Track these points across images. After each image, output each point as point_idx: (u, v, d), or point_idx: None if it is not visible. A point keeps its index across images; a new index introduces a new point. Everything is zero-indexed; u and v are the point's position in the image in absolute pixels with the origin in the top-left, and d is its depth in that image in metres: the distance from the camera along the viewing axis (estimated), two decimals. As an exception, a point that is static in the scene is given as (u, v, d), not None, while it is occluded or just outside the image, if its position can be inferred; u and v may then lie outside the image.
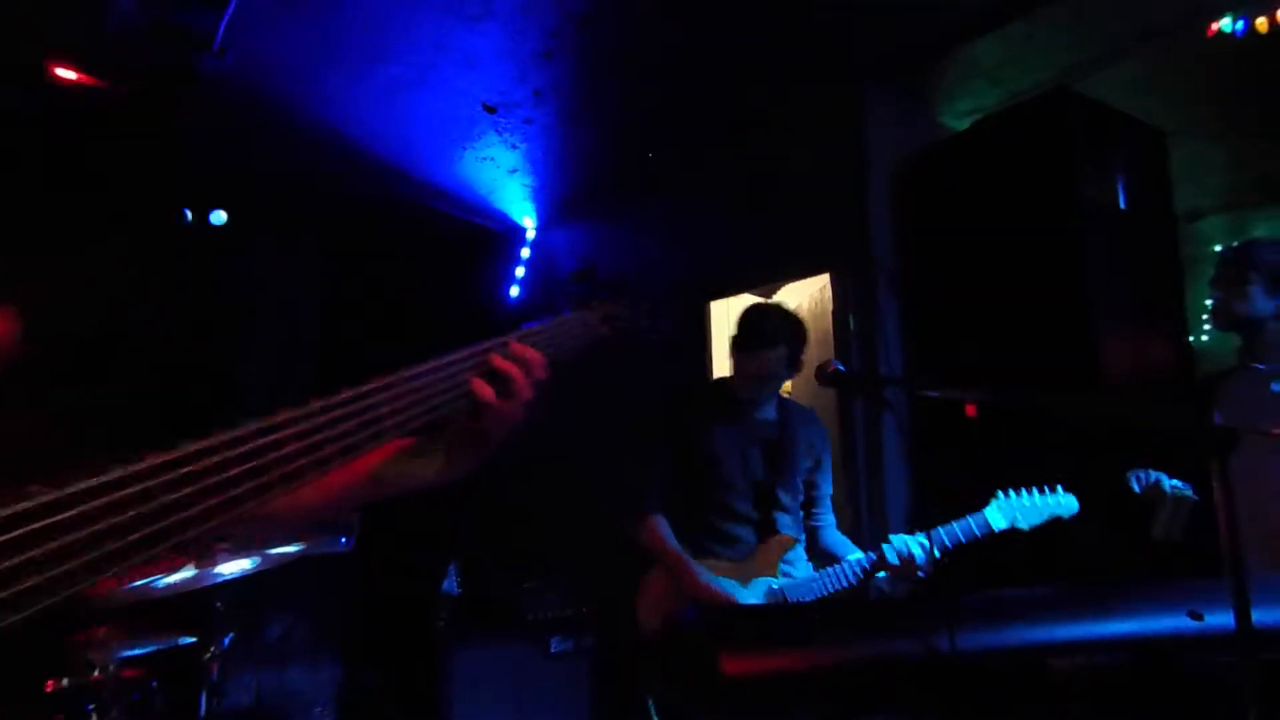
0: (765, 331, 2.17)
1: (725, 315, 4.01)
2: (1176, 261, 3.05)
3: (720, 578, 2.10)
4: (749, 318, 2.25)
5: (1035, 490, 2.04)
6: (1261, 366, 2.01)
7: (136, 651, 1.85)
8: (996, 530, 1.99)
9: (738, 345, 2.23)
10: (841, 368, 1.58)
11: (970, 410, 2.86)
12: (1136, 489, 2.02)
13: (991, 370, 2.67)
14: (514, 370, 0.89)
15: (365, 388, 0.75)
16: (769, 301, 2.37)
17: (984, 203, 2.84)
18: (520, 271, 4.52)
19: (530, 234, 4.51)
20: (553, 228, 4.49)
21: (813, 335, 3.68)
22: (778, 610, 1.35)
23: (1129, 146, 2.83)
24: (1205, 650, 1.31)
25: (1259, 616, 1.14)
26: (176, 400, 3.15)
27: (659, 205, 3.91)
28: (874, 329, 2.92)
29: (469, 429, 0.91)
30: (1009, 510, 2.00)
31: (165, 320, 3.39)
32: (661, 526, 2.17)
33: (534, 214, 4.46)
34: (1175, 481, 1.98)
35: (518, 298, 4.51)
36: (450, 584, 3.22)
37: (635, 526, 2.19)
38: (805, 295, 3.82)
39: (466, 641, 3.08)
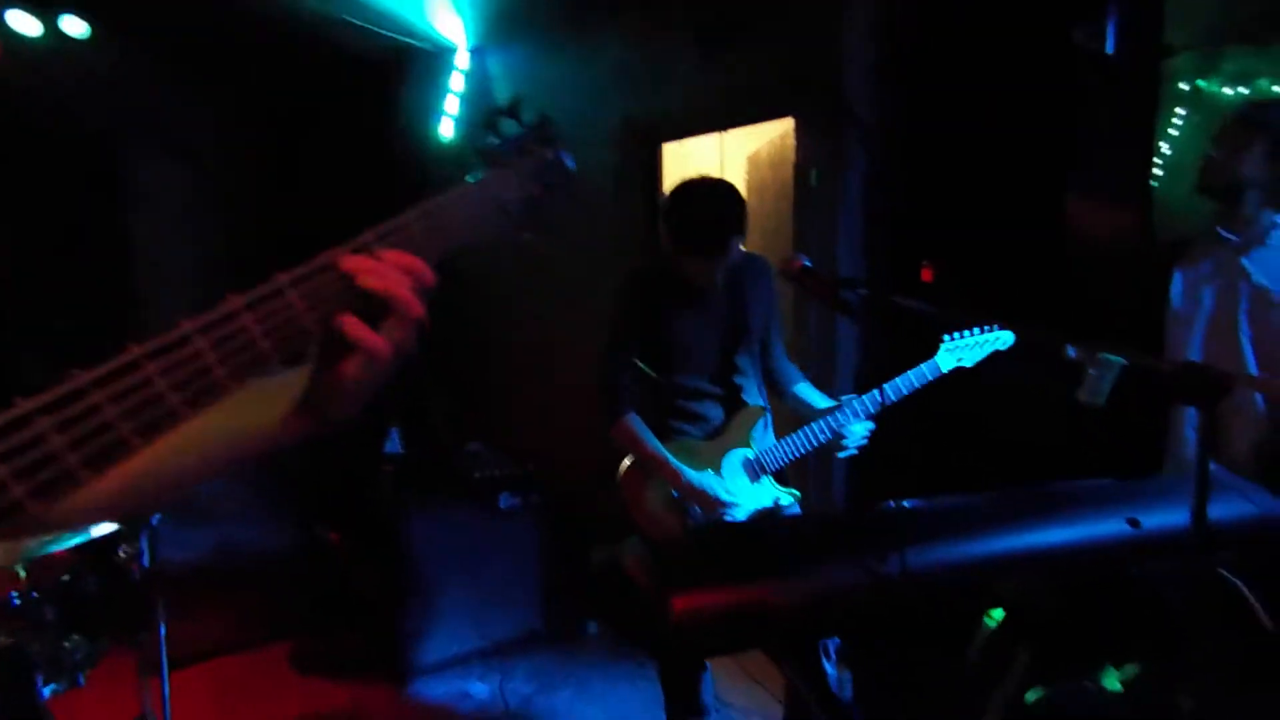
0: (714, 234, 2.03)
1: (678, 158, 3.76)
2: (1153, 113, 2.91)
3: (697, 471, 2.12)
4: (690, 216, 2.08)
5: (976, 330, 2.14)
6: (1235, 239, 1.94)
7: (54, 548, 1.76)
8: (945, 371, 2.11)
9: (684, 246, 2.07)
10: (808, 263, 1.44)
11: (926, 275, 2.82)
12: (1072, 353, 2.01)
13: (958, 233, 2.58)
14: (394, 290, 0.63)
15: (173, 334, 0.55)
16: (699, 186, 2.15)
17: (969, 47, 2.60)
18: (453, 105, 4.04)
19: (462, 57, 4.01)
20: (489, 50, 4.02)
21: (772, 185, 3.51)
22: (730, 543, 1.31)
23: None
24: (1144, 556, 1.34)
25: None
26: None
27: (610, 33, 3.50)
28: (838, 187, 2.74)
29: (336, 376, 0.66)
30: (955, 351, 2.11)
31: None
32: (636, 425, 2.14)
33: (467, 31, 3.96)
34: (1110, 356, 1.97)
35: (452, 140, 4.07)
36: (394, 445, 3.18)
37: (609, 428, 2.16)
38: (764, 140, 3.58)
39: (415, 499, 3.08)
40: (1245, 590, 1.28)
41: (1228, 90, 3.66)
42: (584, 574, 3.04)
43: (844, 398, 2.14)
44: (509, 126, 0.82)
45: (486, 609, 3.22)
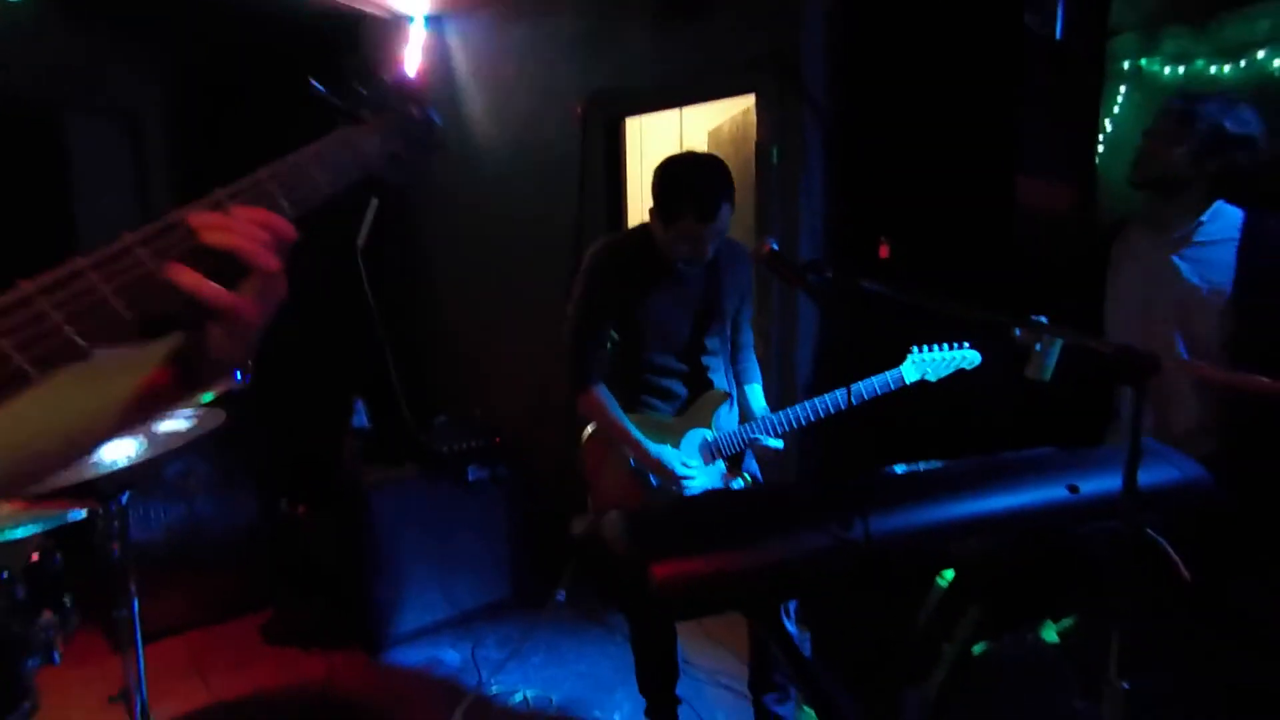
0: (708, 197, 2.02)
1: (639, 133, 3.77)
2: (1098, 93, 3.01)
3: (659, 443, 2.18)
4: (682, 182, 2.06)
5: (944, 346, 2.20)
6: (1167, 235, 1.93)
7: (24, 533, 1.75)
8: (909, 383, 2.18)
9: (674, 214, 2.05)
10: (775, 246, 1.51)
11: (883, 252, 2.91)
12: (1018, 332, 2.06)
13: (913, 211, 2.66)
14: (242, 245, 0.60)
15: (13, 295, 0.51)
16: (690, 156, 2.18)
17: (924, 29, 2.66)
18: (410, 74, 3.99)
19: (417, 24, 3.95)
20: (446, 20, 3.96)
21: (733, 161, 3.55)
22: (704, 513, 1.38)
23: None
24: (1080, 519, 1.46)
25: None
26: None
27: (570, 6, 3.48)
28: (797, 165, 2.81)
29: (200, 339, 0.63)
30: (920, 365, 2.18)
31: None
32: (603, 396, 2.19)
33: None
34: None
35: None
36: (360, 418, 3.18)
37: (577, 398, 2.21)
38: (727, 116, 3.62)
39: (383, 473, 3.10)
40: (1168, 548, 1.41)
41: (1167, 70, 3.81)
42: (561, 544, 3.10)
43: (759, 416, 2.24)
44: (374, 84, 0.82)
45: (456, 579, 3.28)
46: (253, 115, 3.72)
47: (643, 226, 2.22)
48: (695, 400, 2.28)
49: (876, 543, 1.28)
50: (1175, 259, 1.92)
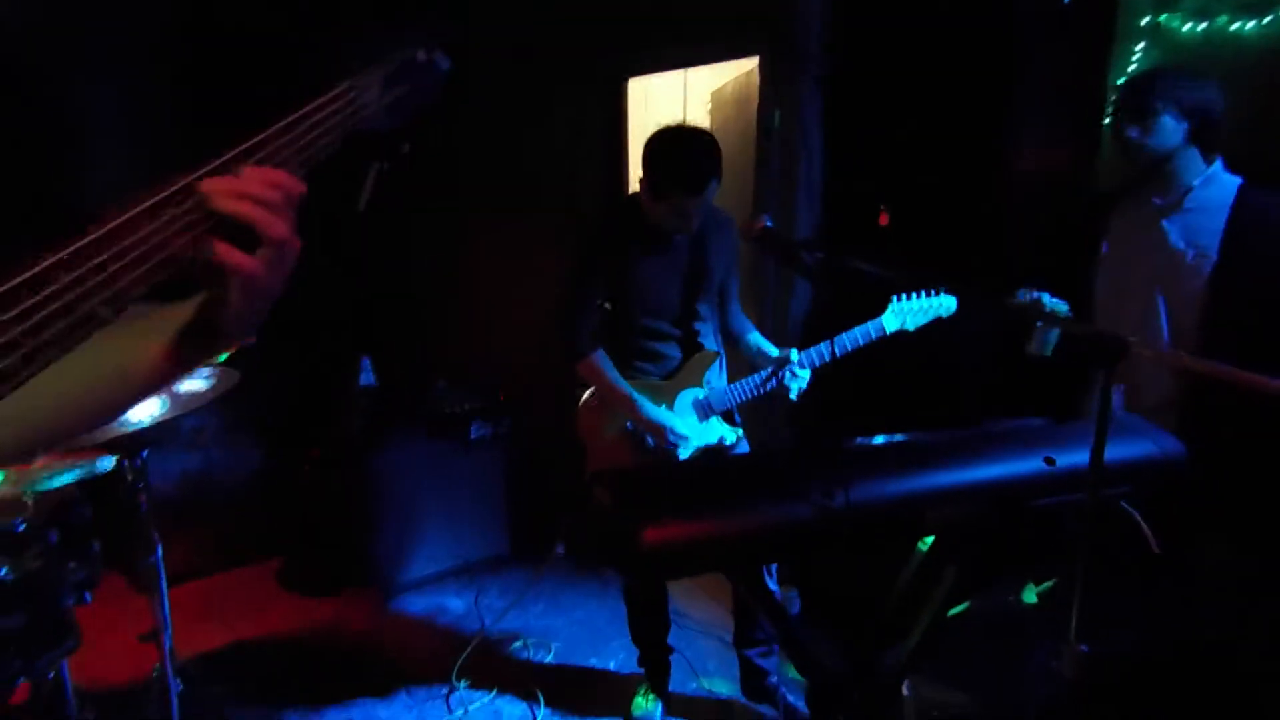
0: (695, 173, 2.07)
1: (643, 94, 3.76)
2: (1106, 54, 2.96)
3: (654, 404, 2.26)
4: (671, 157, 2.11)
5: (922, 294, 2.23)
6: (1157, 201, 1.97)
7: (59, 483, 1.85)
8: (890, 332, 2.22)
9: (664, 188, 2.11)
10: (769, 223, 1.55)
11: (883, 219, 2.93)
12: (1021, 297, 2.09)
13: (913, 178, 2.68)
14: (252, 213, 0.60)
15: (37, 267, 0.51)
16: (680, 131, 2.20)
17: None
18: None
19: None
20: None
21: (736, 124, 3.55)
22: (694, 480, 1.46)
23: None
24: (1057, 491, 1.52)
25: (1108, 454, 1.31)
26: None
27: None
28: (797, 131, 2.82)
29: (217, 303, 0.63)
30: (900, 313, 2.21)
31: None
32: (601, 361, 2.27)
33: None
34: (1056, 300, 2.07)
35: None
36: (367, 377, 3.26)
37: (575, 362, 2.29)
38: (730, 77, 3.60)
39: (389, 431, 3.19)
40: (1139, 518, 1.48)
41: (1187, 27, 3.74)
42: (559, 500, 3.21)
43: (789, 351, 2.25)
44: (375, 32, 0.80)
45: (460, 532, 3.39)
46: (248, 55, 3.70)
47: (635, 196, 2.28)
48: (686, 362, 2.35)
49: (856, 510, 1.35)
50: (1165, 223, 1.96)
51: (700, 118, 3.89)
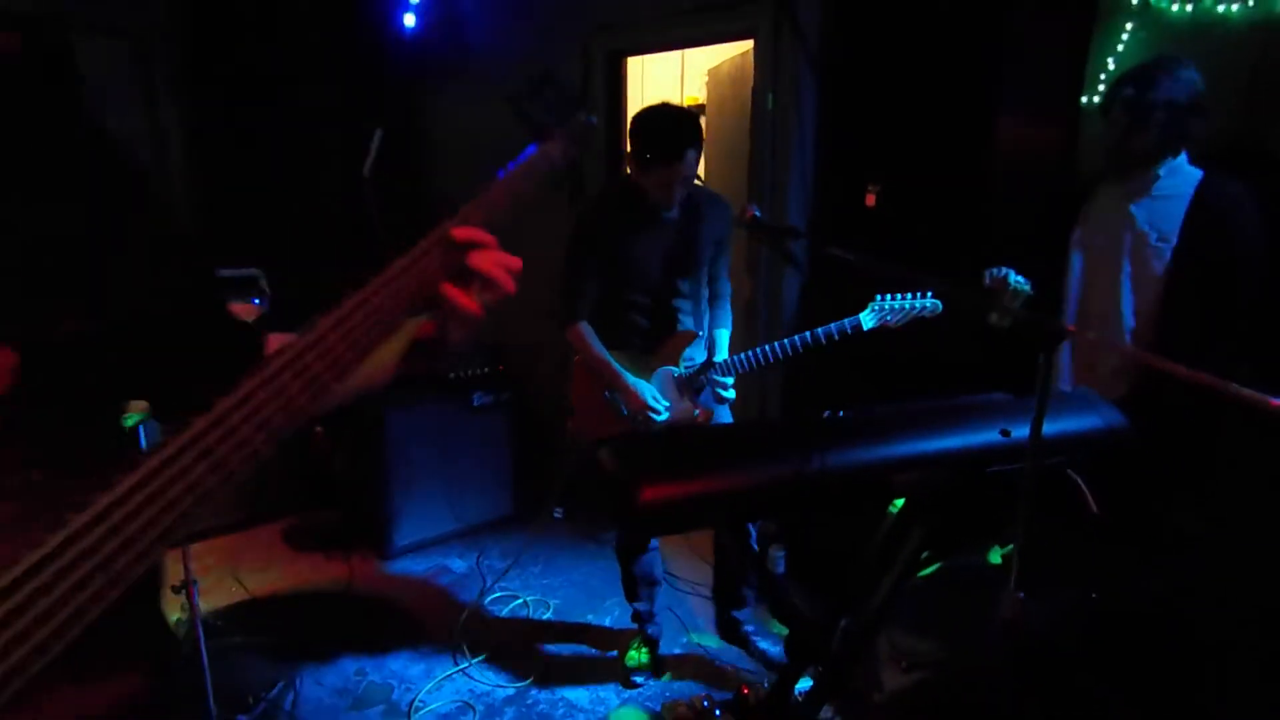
0: (672, 142, 2.19)
1: (640, 73, 3.85)
2: (1089, 33, 3.02)
3: (633, 375, 2.40)
4: (650, 129, 2.24)
5: (907, 295, 2.30)
6: (1128, 184, 2.10)
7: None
8: (867, 329, 2.28)
9: (646, 159, 2.24)
10: (758, 214, 1.68)
11: (870, 200, 3.05)
12: (986, 281, 2.24)
13: (899, 155, 2.79)
14: (496, 274, 0.80)
15: (347, 302, 0.73)
16: (660, 106, 2.34)
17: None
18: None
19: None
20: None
21: (730, 104, 3.65)
22: (687, 444, 1.61)
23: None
24: (1011, 459, 1.68)
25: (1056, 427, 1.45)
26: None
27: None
28: (791, 112, 2.93)
29: (446, 333, 0.86)
30: (880, 312, 2.28)
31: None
32: (587, 332, 2.43)
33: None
34: (1019, 277, 2.18)
35: (415, 30, 4.06)
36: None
37: (565, 330, 2.45)
38: (726, 57, 3.70)
39: (394, 397, 3.33)
40: (1081, 484, 1.64)
41: (1175, 7, 3.83)
42: (555, 465, 3.35)
43: (716, 359, 2.40)
44: (547, 95, 0.96)
45: (463, 495, 3.55)
46: (259, 34, 3.77)
47: (629, 175, 2.41)
48: (665, 339, 2.48)
49: (832, 473, 1.51)
50: (1133, 208, 2.12)
51: (697, 94, 3.98)
